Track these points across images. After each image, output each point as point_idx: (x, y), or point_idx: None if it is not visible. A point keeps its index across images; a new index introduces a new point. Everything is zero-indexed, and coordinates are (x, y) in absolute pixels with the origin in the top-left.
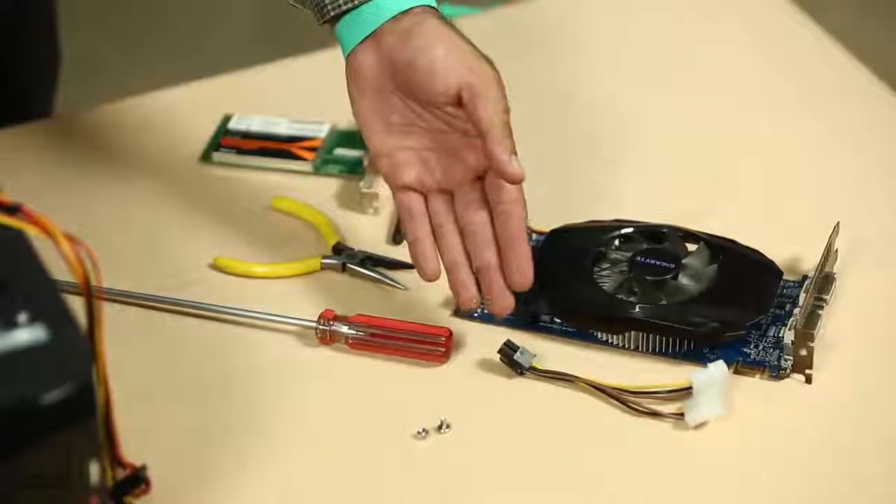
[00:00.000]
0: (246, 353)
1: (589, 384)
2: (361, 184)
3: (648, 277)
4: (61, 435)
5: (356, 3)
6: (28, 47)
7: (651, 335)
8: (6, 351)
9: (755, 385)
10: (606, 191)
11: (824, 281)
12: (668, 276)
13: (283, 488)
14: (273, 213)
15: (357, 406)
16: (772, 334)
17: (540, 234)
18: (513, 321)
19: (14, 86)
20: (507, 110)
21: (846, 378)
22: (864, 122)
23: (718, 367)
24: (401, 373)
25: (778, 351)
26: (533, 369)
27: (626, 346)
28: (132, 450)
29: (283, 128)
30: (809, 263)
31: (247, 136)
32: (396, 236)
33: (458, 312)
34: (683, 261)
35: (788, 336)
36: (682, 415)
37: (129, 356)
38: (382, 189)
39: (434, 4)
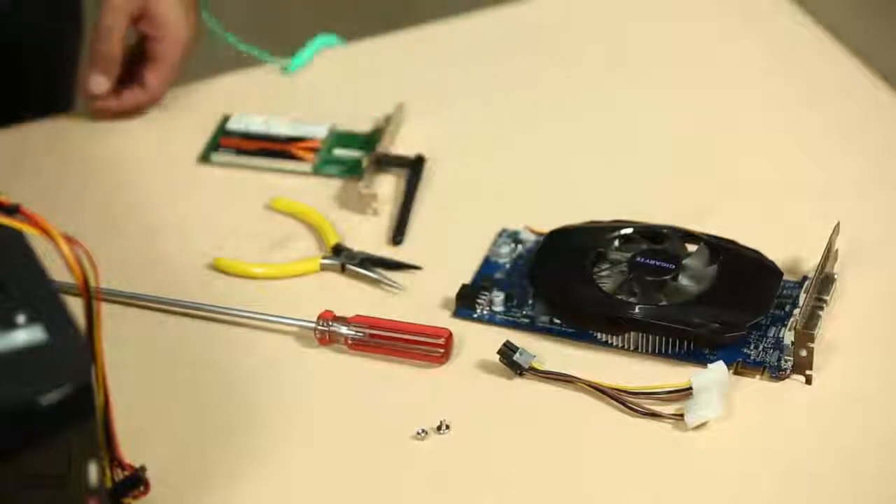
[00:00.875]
0: (245, 353)
1: (588, 385)
2: (361, 184)
3: (648, 278)
4: (60, 436)
5: None
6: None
7: (651, 336)
8: (5, 351)
9: (755, 386)
10: (606, 191)
11: (824, 281)
12: (667, 277)
13: (282, 489)
14: (272, 214)
15: (356, 407)
16: (772, 335)
17: (539, 234)
18: (512, 322)
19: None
20: None
21: (846, 379)
22: (864, 122)
23: (718, 368)
24: (400, 373)
25: (778, 352)
26: (532, 370)
27: (626, 346)
28: (131, 450)
29: (282, 128)
30: (809, 264)
31: (246, 136)
32: (396, 237)
33: (458, 313)
34: (683, 261)
35: (788, 337)
36: (681, 416)
37: (128, 357)
38: (382, 190)
39: None
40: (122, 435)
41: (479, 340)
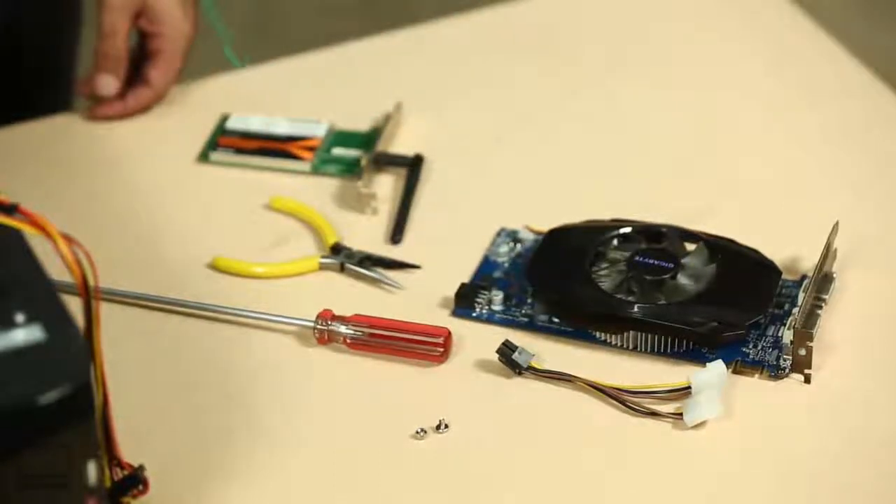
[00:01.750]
0: (244, 352)
1: (587, 384)
2: (360, 183)
3: (647, 277)
4: (59, 435)
5: None
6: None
7: (650, 335)
8: (4, 351)
9: (754, 385)
10: (605, 190)
11: (823, 280)
12: (666, 276)
13: (281, 488)
14: (271, 213)
15: (356, 406)
16: (771, 334)
17: (538, 233)
18: (511, 321)
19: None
20: None
21: (845, 378)
22: (864, 122)
23: (717, 367)
24: (399, 373)
25: (777, 351)
26: (531, 369)
27: (625, 345)
28: (130, 450)
29: (281, 127)
30: (808, 263)
31: (245, 135)
32: (395, 236)
33: (457, 312)
34: (682, 260)
35: (787, 336)
36: (680, 415)
37: (127, 356)
38: (380, 189)
39: None
40: (121, 434)
41: (478, 339)
